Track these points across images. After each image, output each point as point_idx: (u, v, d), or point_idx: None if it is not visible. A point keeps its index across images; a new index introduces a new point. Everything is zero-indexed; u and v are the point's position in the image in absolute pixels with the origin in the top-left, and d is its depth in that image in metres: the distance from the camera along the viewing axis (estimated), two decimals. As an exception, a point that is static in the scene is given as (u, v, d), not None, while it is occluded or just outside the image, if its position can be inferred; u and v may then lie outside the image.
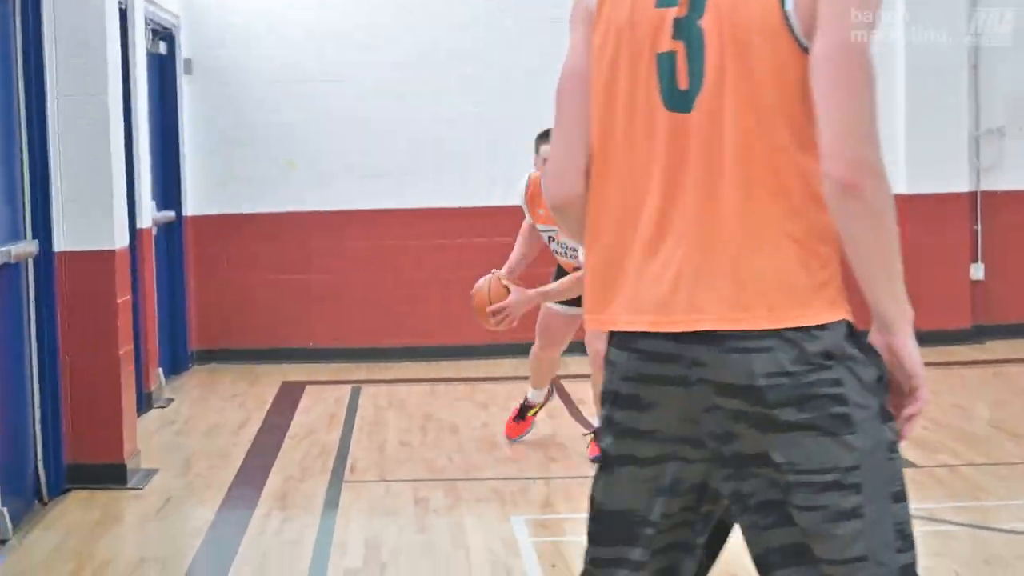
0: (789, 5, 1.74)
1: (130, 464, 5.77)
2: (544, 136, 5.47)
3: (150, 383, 7.49)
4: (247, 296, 9.06)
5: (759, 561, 1.82)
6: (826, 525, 1.72)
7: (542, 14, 8.22)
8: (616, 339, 1.92)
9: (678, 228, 1.81)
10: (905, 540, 1.79)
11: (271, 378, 8.50)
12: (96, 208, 5.73)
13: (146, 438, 6.44)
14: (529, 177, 6.05)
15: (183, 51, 9.02)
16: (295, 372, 8.63)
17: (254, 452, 6.54)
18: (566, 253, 6.00)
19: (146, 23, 7.85)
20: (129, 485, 5.67)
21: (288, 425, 7.21)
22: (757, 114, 1.78)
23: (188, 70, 9.08)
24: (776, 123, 1.77)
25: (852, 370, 1.74)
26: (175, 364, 8.61)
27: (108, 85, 5.78)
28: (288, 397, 7.97)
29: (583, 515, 5.53)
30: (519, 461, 6.08)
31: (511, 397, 6.88)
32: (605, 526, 1.95)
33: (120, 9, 6.35)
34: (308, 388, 8.22)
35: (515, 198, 6.23)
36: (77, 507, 5.43)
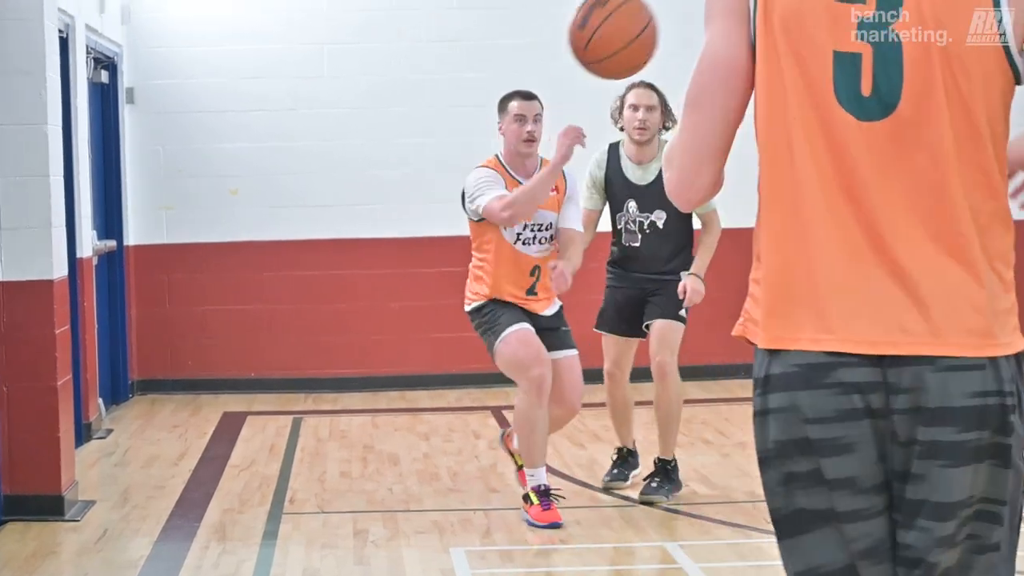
0: (1006, 22, 1.65)
1: (67, 495, 5.72)
2: (512, 96, 5.52)
3: (89, 414, 7.44)
4: (189, 326, 9.04)
5: None
6: (969, 555, 1.71)
7: (489, 47, 8.33)
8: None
9: (885, 243, 1.69)
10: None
11: (212, 409, 8.46)
12: (35, 238, 5.70)
13: (84, 469, 6.38)
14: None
15: (125, 80, 9.01)
16: (236, 403, 8.59)
17: (193, 483, 6.49)
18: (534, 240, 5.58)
19: (88, 52, 7.86)
20: (66, 517, 5.62)
21: (228, 456, 7.16)
22: (966, 131, 1.68)
23: (130, 99, 9.07)
24: (982, 143, 1.68)
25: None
26: (115, 394, 8.57)
27: (48, 114, 5.77)
28: (229, 428, 7.92)
29: (522, 546, 5.56)
30: (460, 492, 6.05)
31: (452, 428, 6.92)
32: None
33: (61, 37, 6.37)
34: (249, 418, 8.18)
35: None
36: (12, 539, 5.39)
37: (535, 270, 5.53)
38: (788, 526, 1.78)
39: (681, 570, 4.98)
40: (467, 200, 5.47)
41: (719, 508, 5.74)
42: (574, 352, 5.59)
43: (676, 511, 5.70)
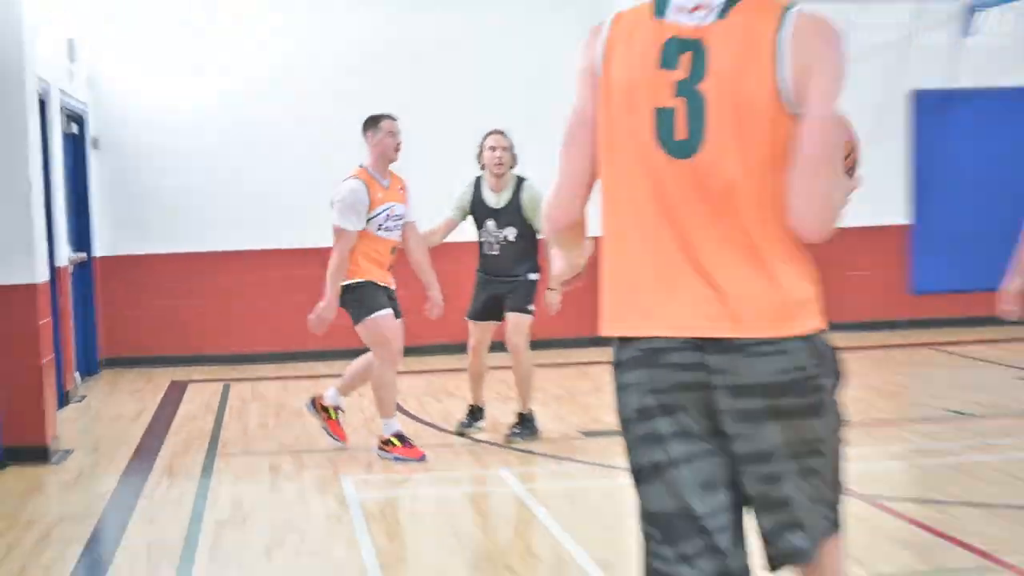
0: (785, 80, 1.66)
1: (52, 446, 5.74)
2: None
3: (68, 383, 7.37)
4: (143, 317, 8.90)
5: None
6: (798, 483, 1.72)
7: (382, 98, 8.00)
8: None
9: (694, 253, 1.71)
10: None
11: (162, 378, 8.36)
12: (22, 251, 5.71)
13: (64, 425, 6.31)
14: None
15: (91, 130, 8.86)
16: (180, 374, 8.48)
17: (148, 435, 6.46)
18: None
19: (61, 109, 7.70)
20: (51, 462, 5.63)
21: (175, 414, 7.13)
22: (755, 164, 1.68)
23: (96, 146, 8.94)
24: (769, 172, 1.69)
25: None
26: (88, 368, 8.42)
27: (30, 160, 5.76)
28: (175, 393, 7.87)
29: (397, 475, 5.56)
30: (349, 435, 5.80)
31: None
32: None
33: (40, 99, 6.29)
34: (190, 386, 8.12)
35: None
36: (11, 479, 5.39)
37: (393, 250, 5.48)
38: (641, 476, 1.77)
39: (511, 489, 5.00)
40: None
41: (540, 444, 5.76)
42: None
43: (510, 448, 5.69)
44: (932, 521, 4.22)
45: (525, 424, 5.84)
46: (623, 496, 2.47)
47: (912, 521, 4.28)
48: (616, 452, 2.36)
